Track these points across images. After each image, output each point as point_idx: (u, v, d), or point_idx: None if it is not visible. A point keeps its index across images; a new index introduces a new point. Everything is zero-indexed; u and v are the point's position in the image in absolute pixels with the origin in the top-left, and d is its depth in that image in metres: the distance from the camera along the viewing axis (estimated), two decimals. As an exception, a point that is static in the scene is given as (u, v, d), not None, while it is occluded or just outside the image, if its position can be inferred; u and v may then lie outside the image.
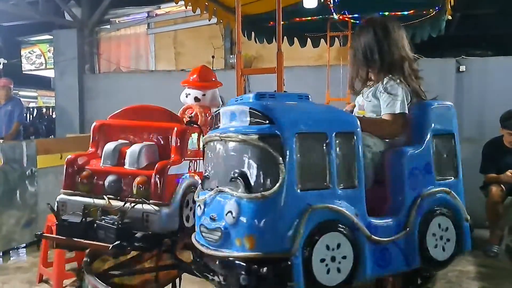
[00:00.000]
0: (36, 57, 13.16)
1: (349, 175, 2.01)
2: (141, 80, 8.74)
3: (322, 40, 6.19)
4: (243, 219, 1.82)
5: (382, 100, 2.48)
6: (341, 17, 5.37)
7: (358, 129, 2.05)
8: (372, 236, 2.03)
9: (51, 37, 10.41)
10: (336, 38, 6.11)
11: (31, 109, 13.82)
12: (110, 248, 2.29)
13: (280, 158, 1.81)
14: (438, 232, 2.28)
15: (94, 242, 2.40)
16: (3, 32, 9.55)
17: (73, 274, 3.99)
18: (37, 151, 5.74)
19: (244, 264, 1.79)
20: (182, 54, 9.72)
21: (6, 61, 8.26)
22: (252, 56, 8.62)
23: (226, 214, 1.87)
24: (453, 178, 2.40)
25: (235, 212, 1.84)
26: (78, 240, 2.45)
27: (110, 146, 2.74)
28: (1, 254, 5.42)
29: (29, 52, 13.20)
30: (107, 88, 8.80)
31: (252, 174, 1.84)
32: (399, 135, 2.43)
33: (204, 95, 3.25)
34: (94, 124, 2.93)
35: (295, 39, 6.16)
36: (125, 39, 10.04)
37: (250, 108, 1.90)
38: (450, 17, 4.84)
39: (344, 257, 1.93)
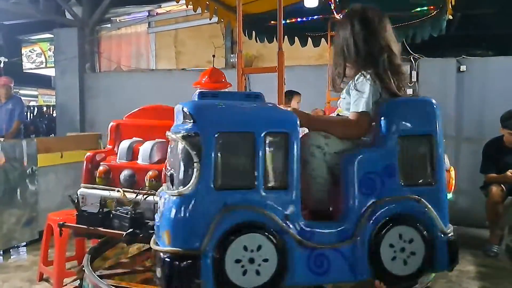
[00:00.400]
0: (36, 56, 13.16)
1: (279, 176, 1.94)
2: (142, 79, 8.75)
3: (323, 40, 6.19)
4: (165, 215, 1.89)
5: (351, 98, 2.32)
6: (342, 17, 5.37)
7: (294, 129, 1.97)
8: (304, 241, 1.93)
9: (52, 35, 10.41)
10: (336, 38, 6.11)
11: (32, 108, 13.83)
12: (124, 235, 2.54)
13: (197, 157, 1.83)
14: (398, 243, 2.05)
15: (110, 230, 2.71)
16: (4, 30, 9.56)
17: (74, 272, 3.99)
18: (37, 149, 5.74)
19: (162, 257, 1.85)
20: (182, 53, 9.72)
21: (6, 60, 8.26)
22: (253, 55, 8.63)
23: (157, 211, 2.02)
24: (427, 184, 2.12)
25: (161, 208, 1.95)
26: (96, 228, 2.76)
27: (125, 144, 3.15)
28: (1, 252, 5.44)
29: (29, 51, 13.19)
30: (108, 87, 8.81)
31: (177, 172, 1.90)
32: (364, 136, 2.23)
33: None
34: (111, 124, 3.34)
35: (296, 38, 6.16)
36: (125, 38, 10.04)
37: (182, 108, 1.93)
38: (451, 17, 4.83)
39: (265, 260, 1.88)
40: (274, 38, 5.76)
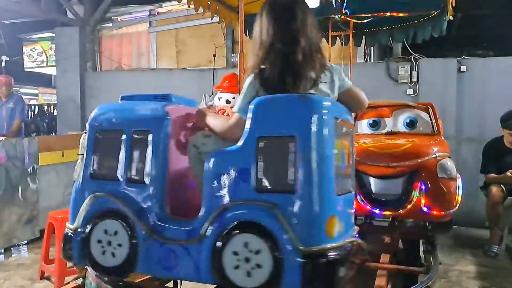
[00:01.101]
0: (37, 55, 13.16)
1: (141, 171, 2.17)
2: (143, 78, 8.76)
3: (324, 40, 6.19)
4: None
5: None
6: (343, 17, 5.37)
7: (158, 127, 2.18)
8: (155, 234, 2.09)
9: (53, 34, 10.42)
10: (337, 38, 6.12)
11: (33, 107, 13.83)
12: None
13: (83, 150, 2.33)
14: (243, 252, 1.87)
15: None
16: (5, 29, 9.55)
17: (75, 271, 4.01)
18: (38, 148, 5.76)
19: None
20: (183, 52, 9.72)
21: (8, 58, 8.25)
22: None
23: None
24: (286, 192, 1.87)
25: None
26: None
27: None
28: (2, 251, 5.44)
29: (30, 50, 13.20)
30: (109, 86, 8.81)
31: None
32: (238, 136, 2.04)
33: (234, 98, 3.42)
34: None
35: (297, 38, 6.16)
36: (126, 37, 10.05)
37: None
38: (451, 18, 4.84)
39: (119, 245, 2.16)
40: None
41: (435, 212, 3.43)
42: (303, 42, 2.17)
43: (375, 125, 4.62)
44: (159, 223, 2.10)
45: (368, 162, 3.64)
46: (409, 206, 3.48)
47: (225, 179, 1.96)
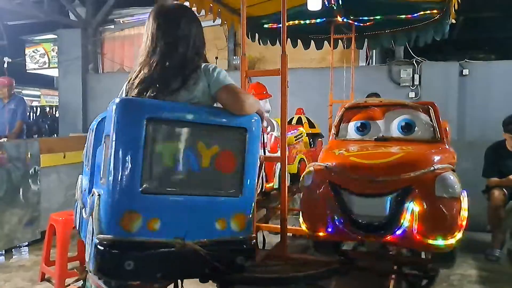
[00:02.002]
0: (39, 56, 13.19)
1: None
2: (145, 80, 8.75)
3: (326, 42, 6.19)
4: None
5: None
6: (345, 20, 5.38)
7: None
8: None
9: (55, 36, 10.44)
10: (339, 41, 6.12)
11: (35, 108, 13.85)
12: None
13: None
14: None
15: None
16: (8, 31, 9.56)
17: (75, 272, 4.00)
18: (40, 150, 5.75)
19: None
20: (185, 54, 9.72)
21: (10, 60, 8.28)
22: (255, 57, 8.63)
23: None
24: (103, 184, 1.99)
25: None
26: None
27: None
28: (3, 252, 5.44)
29: (33, 51, 13.23)
30: (111, 88, 8.77)
31: None
32: None
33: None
34: None
35: (299, 41, 6.16)
36: (129, 39, 10.05)
37: None
38: (454, 21, 4.83)
39: None
40: (277, 41, 5.77)
41: (430, 241, 2.69)
42: (180, 49, 2.24)
43: (363, 128, 3.78)
44: None
45: (348, 176, 2.98)
46: (398, 232, 2.77)
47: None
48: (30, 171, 5.63)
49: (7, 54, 7.71)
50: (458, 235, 2.75)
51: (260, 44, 6.01)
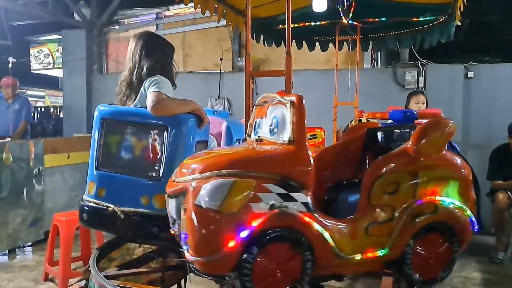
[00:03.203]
0: (44, 57, 13.21)
1: None
2: (149, 81, 8.75)
3: (331, 44, 6.18)
4: None
5: None
6: (350, 22, 5.36)
7: None
8: None
9: (60, 37, 10.46)
10: (345, 42, 6.11)
11: (39, 109, 13.88)
12: None
13: None
14: None
15: None
16: (13, 31, 9.58)
17: (79, 273, 4.00)
18: (44, 150, 5.77)
19: None
20: (190, 56, 9.73)
21: (15, 60, 8.28)
22: (260, 59, 8.63)
23: None
24: None
25: None
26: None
27: None
28: (7, 252, 5.45)
29: (37, 52, 13.26)
30: (115, 88, 8.79)
31: None
32: None
33: None
34: None
35: (304, 42, 6.16)
36: (133, 40, 10.06)
37: None
38: (459, 23, 4.82)
39: None
40: (282, 42, 5.76)
41: (191, 254, 2.13)
42: (135, 68, 3.08)
43: (254, 128, 2.81)
44: None
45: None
46: (183, 237, 2.22)
47: None
48: (34, 171, 5.65)
49: (11, 54, 7.71)
50: (220, 254, 2.05)
51: (265, 45, 6.01)
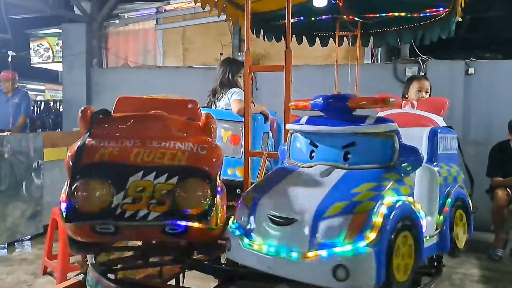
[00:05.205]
0: (44, 50, 13.18)
1: None
2: (149, 75, 8.76)
3: (331, 39, 6.17)
4: None
5: None
6: (350, 17, 5.34)
7: None
8: None
9: (60, 30, 10.44)
10: (345, 38, 6.09)
11: (39, 103, 13.86)
12: None
13: None
14: None
15: None
16: (12, 24, 9.57)
17: (77, 266, 4.01)
18: (43, 144, 5.76)
19: None
20: (190, 50, 9.72)
21: (14, 54, 8.28)
22: (260, 54, 8.62)
23: None
24: None
25: None
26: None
27: None
28: (6, 245, 5.46)
29: (37, 45, 13.22)
30: (115, 83, 8.82)
31: None
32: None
33: None
34: None
35: (304, 37, 6.14)
36: (133, 34, 10.05)
37: None
38: (460, 19, 4.80)
39: None
40: (282, 37, 5.74)
41: None
42: (223, 81, 4.45)
43: None
44: None
45: None
46: None
47: None
48: (33, 165, 5.65)
49: (11, 48, 7.70)
50: None
51: (265, 40, 5.99)
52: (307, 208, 1.71)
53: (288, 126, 2.18)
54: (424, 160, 2.05)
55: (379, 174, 1.82)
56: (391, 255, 1.64)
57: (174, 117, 2.21)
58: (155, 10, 9.71)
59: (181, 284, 2.98)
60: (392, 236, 1.65)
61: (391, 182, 1.79)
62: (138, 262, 2.74)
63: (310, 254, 1.62)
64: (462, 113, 6.73)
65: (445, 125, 2.61)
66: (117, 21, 9.94)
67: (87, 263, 2.53)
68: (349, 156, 1.91)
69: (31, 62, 13.31)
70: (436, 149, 2.36)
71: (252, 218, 1.84)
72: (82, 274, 2.72)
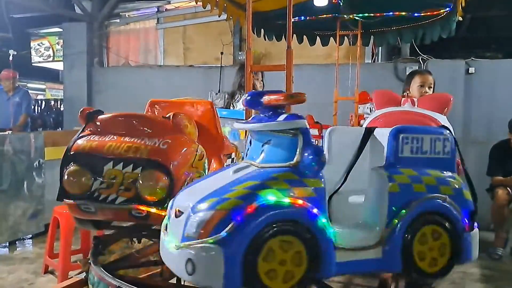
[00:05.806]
0: (44, 49, 13.18)
1: None
2: (150, 74, 8.76)
3: (332, 39, 6.17)
4: None
5: None
6: (351, 16, 5.35)
7: None
8: None
9: (60, 29, 10.44)
10: (345, 37, 6.10)
11: (39, 102, 13.88)
12: None
13: None
14: None
15: None
16: (13, 23, 9.58)
17: (79, 265, 4.01)
18: (45, 143, 5.77)
19: None
20: (191, 49, 9.72)
21: (15, 53, 8.29)
22: (261, 53, 8.62)
23: None
24: None
25: None
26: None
27: None
28: (7, 244, 5.47)
29: (38, 44, 13.22)
30: (116, 82, 8.83)
31: None
32: None
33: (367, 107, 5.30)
34: None
35: (305, 37, 6.14)
36: (134, 33, 10.06)
37: None
38: (461, 18, 4.80)
39: None
40: (283, 36, 5.75)
41: None
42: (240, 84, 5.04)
43: None
44: None
45: None
46: None
47: None
48: (35, 164, 5.66)
49: (12, 47, 7.71)
50: None
51: (265, 39, 6.00)
52: (190, 202, 1.72)
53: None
54: (384, 163, 1.98)
55: (273, 173, 1.72)
56: (256, 259, 1.58)
57: (149, 116, 2.60)
58: (156, 9, 9.71)
59: (182, 283, 2.99)
60: (259, 239, 1.58)
61: (281, 182, 1.67)
62: (140, 261, 2.75)
63: (178, 246, 1.66)
64: (462, 112, 6.74)
65: (448, 124, 2.42)
66: (118, 20, 9.94)
67: (89, 261, 2.54)
68: (262, 154, 1.86)
69: (32, 61, 13.33)
70: (397, 152, 2.01)
71: (169, 209, 1.90)
72: (84, 272, 2.72)
